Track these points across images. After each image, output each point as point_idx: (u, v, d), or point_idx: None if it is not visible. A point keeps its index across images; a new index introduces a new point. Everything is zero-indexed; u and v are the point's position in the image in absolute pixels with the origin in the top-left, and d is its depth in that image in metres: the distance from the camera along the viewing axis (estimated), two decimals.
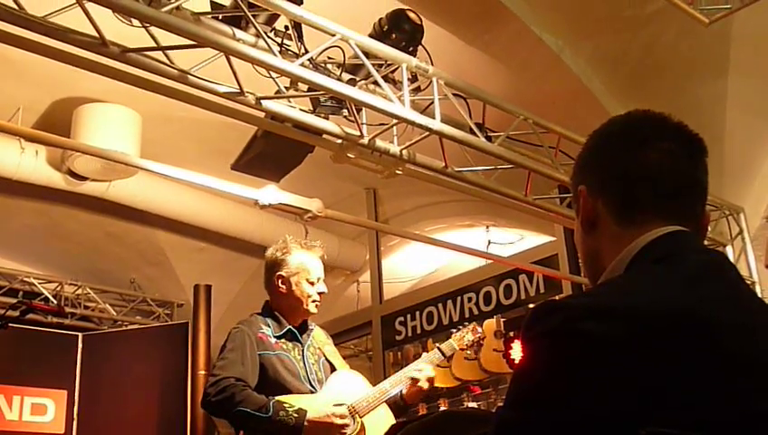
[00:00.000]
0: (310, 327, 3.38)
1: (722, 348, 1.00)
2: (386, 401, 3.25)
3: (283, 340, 3.23)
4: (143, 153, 5.25)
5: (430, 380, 3.28)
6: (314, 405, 3.03)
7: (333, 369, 3.33)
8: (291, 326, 3.28)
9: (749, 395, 0.99)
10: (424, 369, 3.30)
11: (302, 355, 3.25)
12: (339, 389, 3.21)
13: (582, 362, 0.98)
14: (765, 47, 4.51)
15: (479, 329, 3.65)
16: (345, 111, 3.48)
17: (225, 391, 2.96)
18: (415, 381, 3.26)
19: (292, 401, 3.01)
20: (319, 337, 3.40)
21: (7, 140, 5.51)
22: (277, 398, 3.00)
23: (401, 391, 3.28)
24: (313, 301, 3.30)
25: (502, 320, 6.04)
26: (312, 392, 3.15)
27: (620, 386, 0.96)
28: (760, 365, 1.02)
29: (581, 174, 1.31)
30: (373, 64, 3.31)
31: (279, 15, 3.19)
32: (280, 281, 3.30)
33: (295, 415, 2.95)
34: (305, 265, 3.32)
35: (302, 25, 3.23)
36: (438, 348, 3.48)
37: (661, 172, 1.21)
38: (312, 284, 3.30)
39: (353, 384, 3.31)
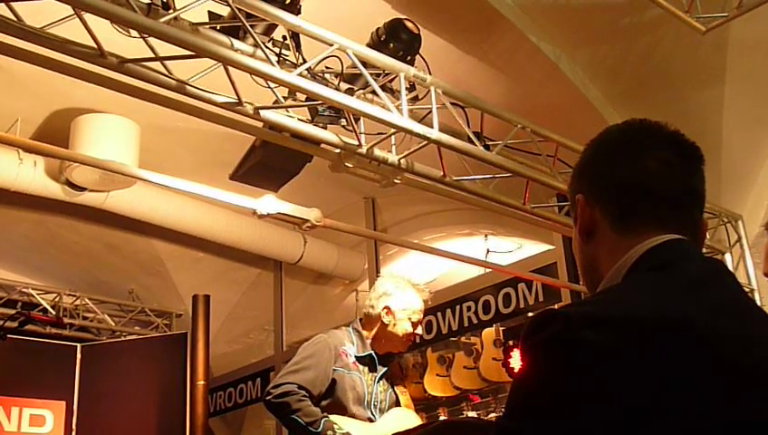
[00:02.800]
0: (390, 360, 3.48)
1: (721, 357, 1.00)
2: None
3: (361, 363, 3.35)
4: (141, 163, 5.25)
5: None
6: (362, 433, 3.14)
7: (398, 402, 3.43)
8: (373, 352, 3.38)
9: (749, 405, 0.98)
10: None
11: (374, 381, 3.36)
12: (392, 425, 3.30)
13: (581, 370, 0.98)
14: (762, 55, 4.52)
15: None
16: (343, 121, 3.48)
17: (284, 396, 3.12)
18: None
19: (343, 424, 3.12)
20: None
21: (5, 150, 5.50)
22: (330, 416, 3.12)
23: None
24: (408, 340, 3.43)
25: (501, 329, 6.03)
26: (369, 420, 3.27)
27: (619, 395, 0.95)
28: (759, 375, 1.01)
29: (579, 183, 1.31)
30: (371, 74, 3.31)
31: (277, 25, 3.19)
32: (385, 311, 3.41)
33: None
34: (413, 306, 3.44)
35: (300, 35, 3.24)
36: None
37: (658, 181, 1.21)
38: (414, 325, 3.42)
39: (407, 423, 3.38)
